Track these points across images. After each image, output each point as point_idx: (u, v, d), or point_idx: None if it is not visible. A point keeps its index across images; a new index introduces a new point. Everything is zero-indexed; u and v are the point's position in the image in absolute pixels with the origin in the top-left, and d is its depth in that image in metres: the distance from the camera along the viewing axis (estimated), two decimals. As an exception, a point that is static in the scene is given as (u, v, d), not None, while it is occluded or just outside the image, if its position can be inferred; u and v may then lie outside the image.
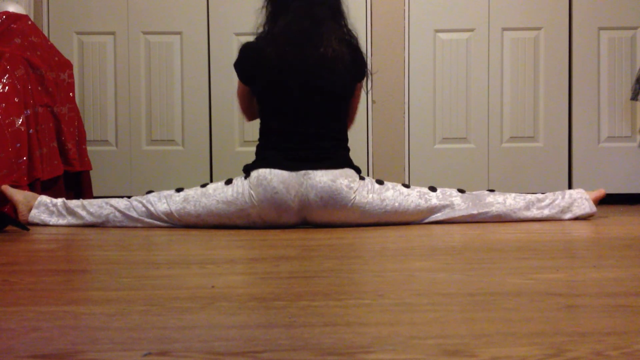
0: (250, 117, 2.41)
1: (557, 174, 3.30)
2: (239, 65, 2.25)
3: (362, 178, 2.19)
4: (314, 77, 2.15)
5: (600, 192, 2.38)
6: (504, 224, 2.19)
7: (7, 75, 2.47)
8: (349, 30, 2.24)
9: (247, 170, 2.17)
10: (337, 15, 2.22)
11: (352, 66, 2.20)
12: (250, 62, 2.21)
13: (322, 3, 2.18)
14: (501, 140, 3.31)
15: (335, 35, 2.17)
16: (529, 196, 2.29)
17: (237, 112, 3.27)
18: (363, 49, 2.29)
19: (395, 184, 2.23)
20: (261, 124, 2.27)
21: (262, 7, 2.26)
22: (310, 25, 2.15)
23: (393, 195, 2.18)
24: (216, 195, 2.16)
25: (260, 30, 2.24)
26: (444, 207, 2.21)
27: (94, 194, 2.97)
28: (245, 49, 2.24)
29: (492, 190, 2.31)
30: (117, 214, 2.22)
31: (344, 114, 2.27)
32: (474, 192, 2.28)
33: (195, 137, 3.31)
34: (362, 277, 1.32)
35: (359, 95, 2.34)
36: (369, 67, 2.31)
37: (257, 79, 2.21)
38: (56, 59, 2.82)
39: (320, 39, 2.14)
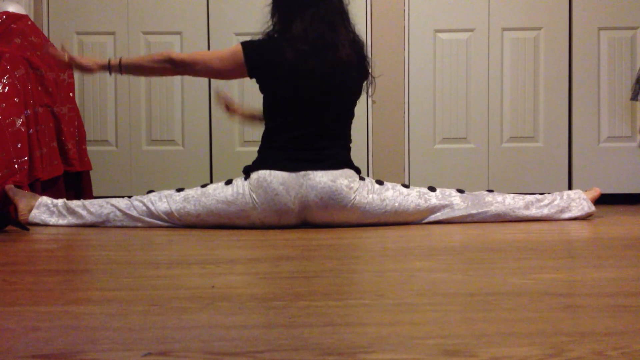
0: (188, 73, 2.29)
1: (557, 174, 3.30)
2: (253, 51, 2.17)
3: (362, 178, 2.19)
4: (331, 80, 2.15)
5: (595, 191, 2.38)
6: (504, 224, 2.19)
7: (7, 75, 2.47)
8: (355, 33, 2.25)
9: (247, 172, 2.17)
10: (345, 19, 2.23)
11: (360, 67, 2.22)
12: (266, 56, 2.17)
13: (333, 10, 2.18)
14: (501, 140, 3.31)
15: (347, 40, 2.18)
16: (528, 196, 2.29)
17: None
18: (366, 49, 2.31)
19: (395, 184, 2.24)
20: (265, 124, 2.25)
21: (270, 5, 2.23)
22: (328, 30, 2.15)
23: (393, 195, 2.18)
24: (216, 195, 2.16)
25: (270, 30, 2.21)
26: (443, 206, 2.22)
27: (94, 194, 2.97)
28: (265, 42, 2.19)
29: (491, 191, 2.32)
30: (117, 213, 2.22)
31: (349, 114, 2.27)
32: (473, 192, 2.28)
33: (195, 137, 3.31)
34: (362, 277, 1.32)
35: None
36: (371, 69, 2.31)
37: (268, 77, 2.19)
38: (56, 59, 2.82)
39: (337, 44, 2.15)
